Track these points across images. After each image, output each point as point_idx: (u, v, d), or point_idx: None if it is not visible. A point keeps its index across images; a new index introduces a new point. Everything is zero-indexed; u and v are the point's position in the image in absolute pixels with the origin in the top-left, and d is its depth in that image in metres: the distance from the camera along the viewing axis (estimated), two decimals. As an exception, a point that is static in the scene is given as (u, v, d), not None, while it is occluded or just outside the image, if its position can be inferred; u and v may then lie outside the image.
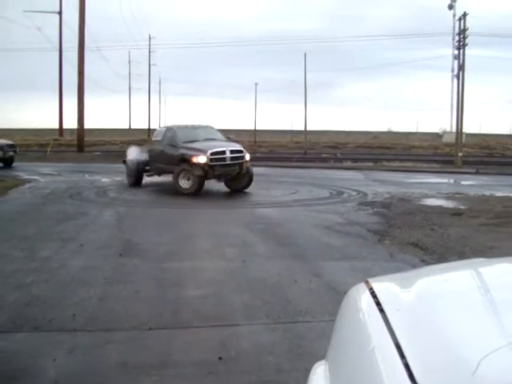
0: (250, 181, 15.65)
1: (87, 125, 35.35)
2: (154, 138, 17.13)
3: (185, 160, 14.76)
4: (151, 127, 74.06)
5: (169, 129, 16.79)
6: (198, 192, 14.61)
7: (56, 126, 50.00)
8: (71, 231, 9.14)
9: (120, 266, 6.89)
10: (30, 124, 78.25)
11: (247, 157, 15.41)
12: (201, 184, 14.71)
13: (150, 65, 74.85)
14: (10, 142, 24.71)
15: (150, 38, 74.54)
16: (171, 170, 15.10)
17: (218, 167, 14.76)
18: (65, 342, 4.38)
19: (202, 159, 14.60)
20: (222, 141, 16.16)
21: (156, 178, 16.84)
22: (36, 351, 4.19)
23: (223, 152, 14.95)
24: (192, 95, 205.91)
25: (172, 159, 15.12)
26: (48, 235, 8.74)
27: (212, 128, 17.38)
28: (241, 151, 15.41)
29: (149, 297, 5.62)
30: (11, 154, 24.17)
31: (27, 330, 4.65)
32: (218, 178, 15.42)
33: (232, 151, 15.16)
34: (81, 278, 6.22)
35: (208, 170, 14.57)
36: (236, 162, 15.05)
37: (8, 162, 23.90)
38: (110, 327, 4.75)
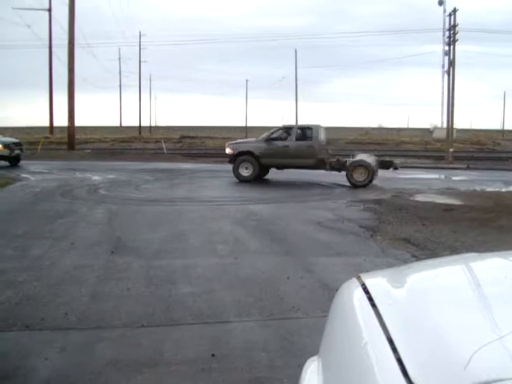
0: None
1: (77, 122, 35.20)
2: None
3: None
4: (142, 124, 73.94)
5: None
6: None
7: (46, 123, 49.69)
8: (62, 229, 9.09)
9: (111, 263, 6.86)
10: (19, 122, 77.73)
11: None
12: None
13: (140, 62, 74.54)
14: (16, 140, 23.47)
15: (140, 35, 74.20)
16: None
17: None
18: (57, 341, 4.36)
19: None
20: None
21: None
22: (28, 350, 4.17)
23: None
24: (182, 92, 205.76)
25: None
26: (39, 233, 8.69)
27: None
28: None
29: (139, 294, 5.60)
30: (18, 152, 22.72)
31: (18, 328, 4.62)
32: None
33: None
34: (72, 276, 6.19)
35: None
36: None
37: (14, 161, 22.41)
38: (101, 325, 4.73)
